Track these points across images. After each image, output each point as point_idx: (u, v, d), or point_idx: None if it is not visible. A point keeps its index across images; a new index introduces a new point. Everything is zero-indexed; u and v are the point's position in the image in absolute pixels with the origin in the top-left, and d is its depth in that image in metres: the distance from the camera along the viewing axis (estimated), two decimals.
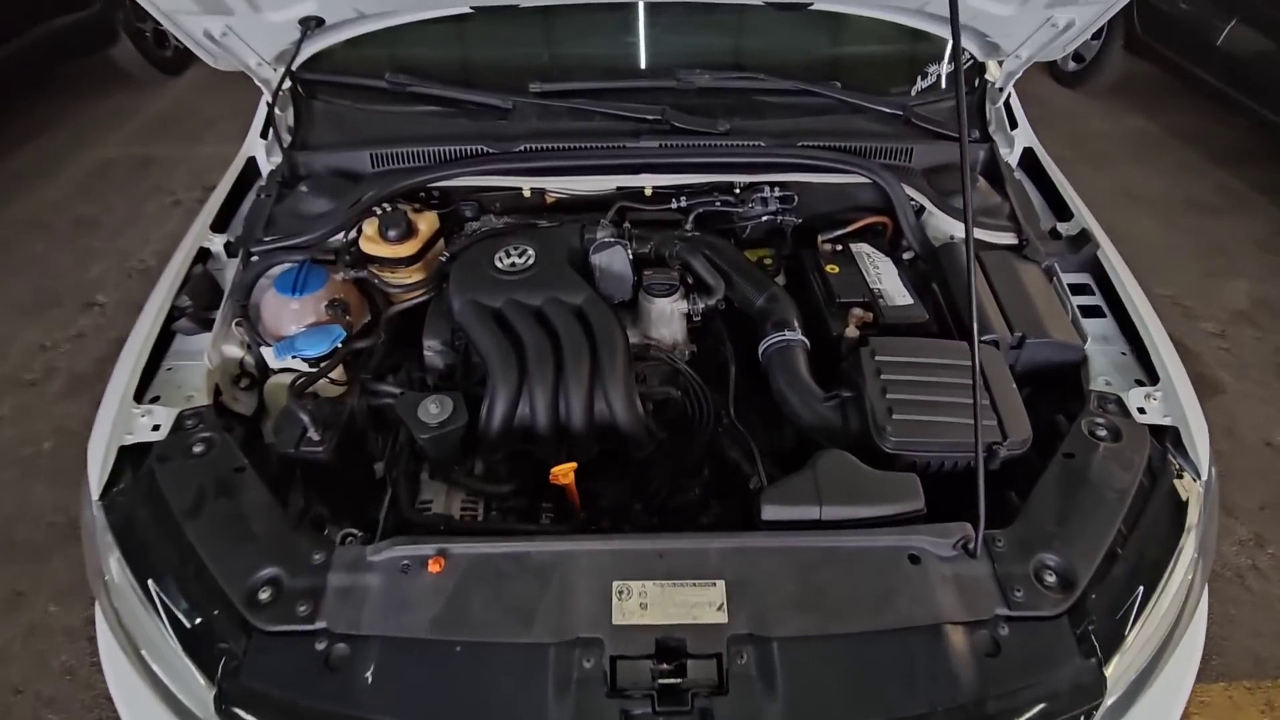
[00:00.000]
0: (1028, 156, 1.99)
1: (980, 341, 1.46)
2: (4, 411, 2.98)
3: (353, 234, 1.72)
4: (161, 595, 1.16)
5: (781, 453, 1.58)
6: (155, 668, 1.14)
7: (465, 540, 1.20)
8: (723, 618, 1.11)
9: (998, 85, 1.96)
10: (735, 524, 1.53)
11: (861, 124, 1.91)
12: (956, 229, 1.75)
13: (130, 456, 1.35)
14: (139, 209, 4.30)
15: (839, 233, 1.82)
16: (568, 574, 1.16)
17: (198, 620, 1.14)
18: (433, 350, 1.62)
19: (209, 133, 5.11)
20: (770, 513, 1.23)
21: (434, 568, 1.16)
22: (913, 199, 1.78)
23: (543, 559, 1.17)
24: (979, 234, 1.74)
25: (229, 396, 1.57)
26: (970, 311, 1.12)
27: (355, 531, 1.51)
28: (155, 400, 1.44)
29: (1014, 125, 1.99)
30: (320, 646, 1.10)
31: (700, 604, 1.12)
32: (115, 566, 1.21)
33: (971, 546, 1.18)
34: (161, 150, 4.94)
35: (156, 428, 1.37)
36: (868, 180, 1.77)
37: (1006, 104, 2.00)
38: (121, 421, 1.37)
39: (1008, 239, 1.72)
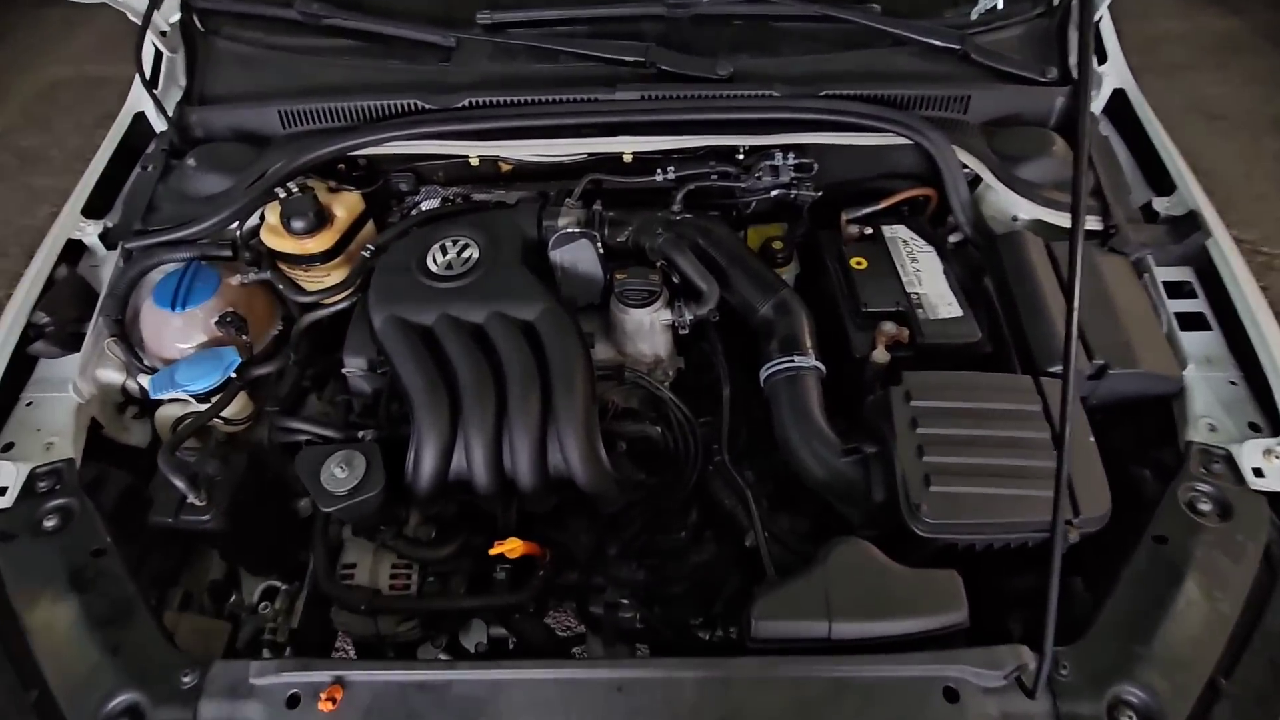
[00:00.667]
0: (1117, 102, 1.54)
1: (1048, 375, 1.14)
2: None
3: (253, 222, 1.37)
4: None
5: (778, 479, 1.30)
6: None
7: (369, 666, 0.94)
8: None
9: None
10: (729, 567, 1.28)
11: (904, 62, 1.47)
12: (1022, 208, 1.36)
13: None
14: (89, 141, 3.89)
15: (868, 210, 1.44)
16: (499, 714, 0.90)
17: None
18: (356, 372, 1.31)
19: None
20: (765, 629, 0.95)
21: (326, 706, 0.90)
22: (966, 166, 1.38)
23: (467, 692, 0.92)
24: (1050, 216, 1.34)
25: (115, 428, 1.29)
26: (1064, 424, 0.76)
27: (278, 584, 1.29)
28: (7, 449, 1.16)
29: (1103, 59, 1.53)
30: None
31: None
32: None
33: (1030, 682, 0.89)
34: (114, 69, 4.40)
35: (1, 491, 1.10)
36: (910, 142, 1.37)
37: (1096, 29, 1.53)
38: None
39: (1090, 223, 1.32)
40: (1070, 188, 1.35)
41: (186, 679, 0.94)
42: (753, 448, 1.35)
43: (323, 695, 0.91)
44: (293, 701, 0.91)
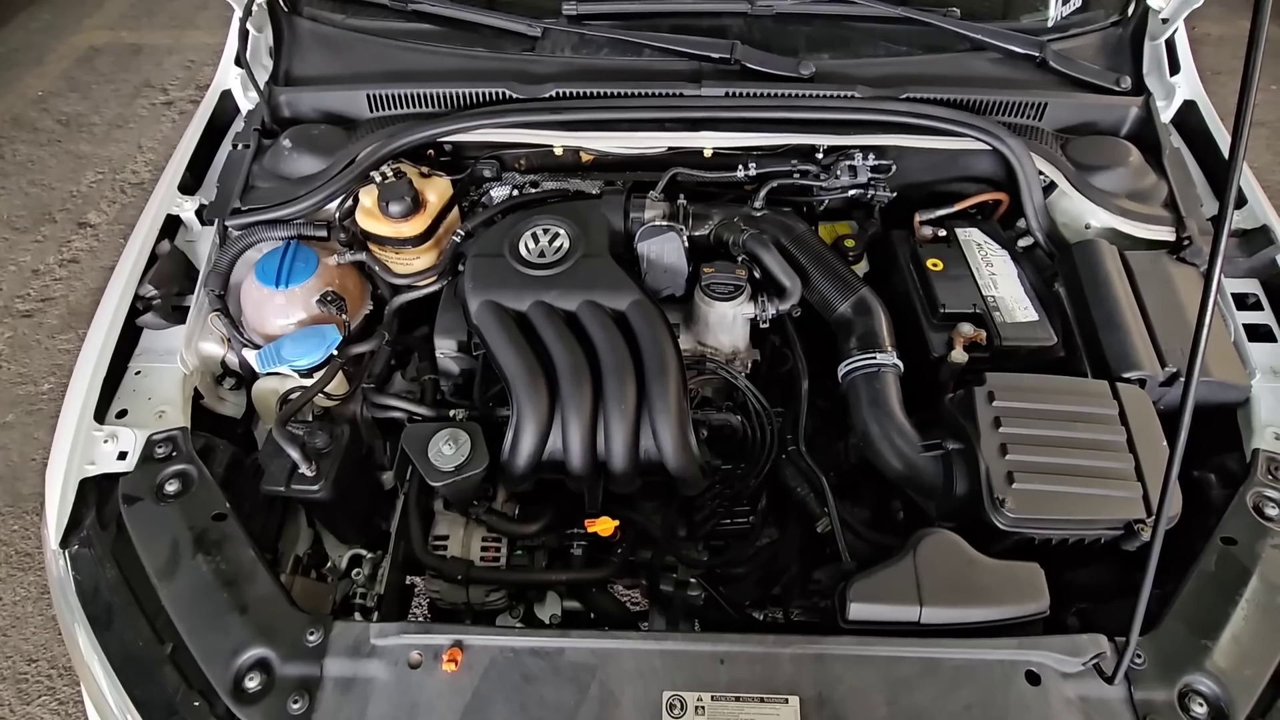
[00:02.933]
0: (1186, 114, 1.57)
1: (1123, 380, 1.19)
2: (0, 346, 2.81)
3: (348, 202, 1.41)
4: (132, 687, 0.98)
5: (839, 469, 1.35)
6: None
7: (486, 631, 1.00)
8: None
9: (1163, 16, 1.52)
10: (791, 552, 1.34)
11: (982, 66, 1.50)
12: (1097, 216, 1.39)
13: (95, 489, 1.14)
14: (129, 108, 3.93)
15: (942, 212, 1.47)
16: (609, 679, 0.96)
17: (175, 714, 0.97)
18: (446, 353, 1.36)
19: (201, 16, 4.62)
20: (858, 611, 1.01)
21: (449, 666, 0.96)
22: (1042, 173, 1.41)
23: (579, 659, 0.98)
24: (1124, 225, 1.38)
25: (213, 398, 1.34)
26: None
27: (363, 552, 1.35)
28: (121, 415, 1.22)
29: (1175, 70, 1.56)
30: None
31: None
32: (83, 638, 1.03)
33: (1109, 668, 0.95)
34: (150, 37, 4.48)
35: (123, 455, 1.16)
36: (988, 148, 1.40)
37: (1169, 41, 1.55)
38: (81, 447, 1.16)
39: (1162, 233, 1.36)
40: (1144, 198, 1.40)
41: (312, 637, 1.00)
42: (815, 439, 1.40)
43: (444, 657, 0.97)
44: (414, 662, 0.98)
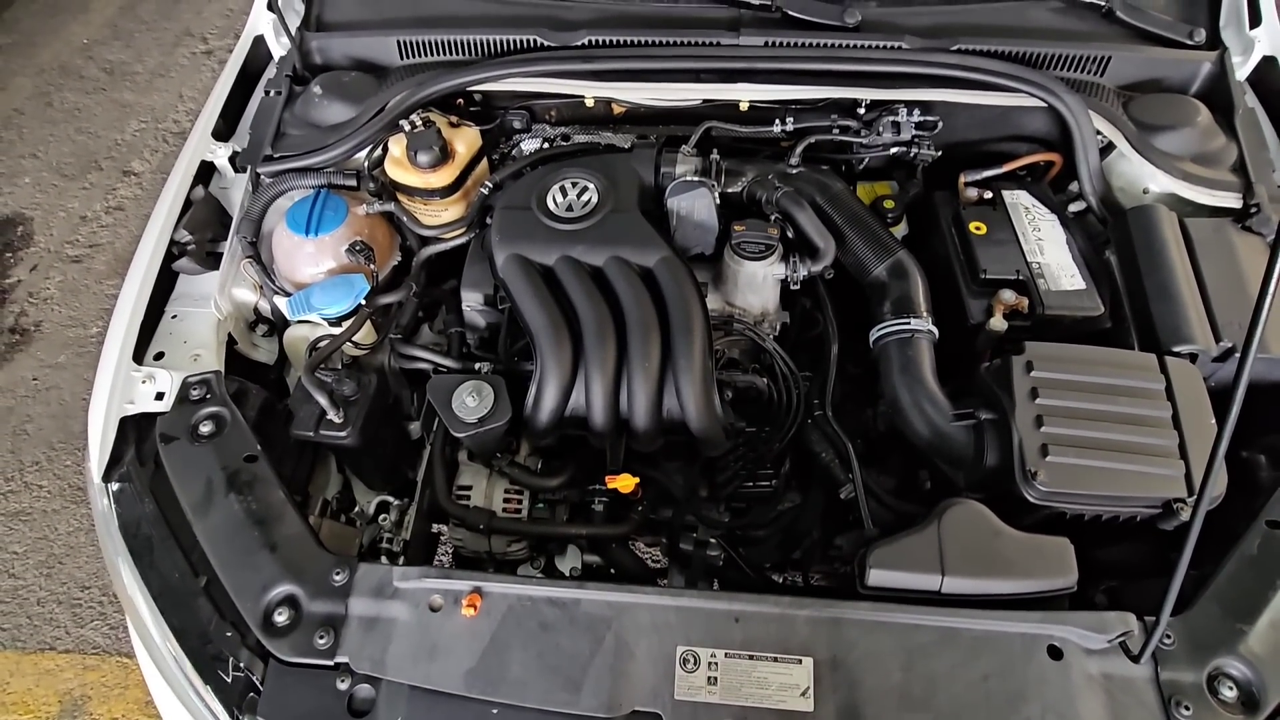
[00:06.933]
0: (1265, 71, 1.45)
1: (1172, 354, 1.13)
2: (52, 290, 2.92)
3: (377, 151, 1.40)
4: (169, 616, 1.03)
5: (867, 436, 1.33)
6: (177, 683, 1.04)
7: (505, 579, 1.02)
8: (808, 705, 0.92)
9: None
10: (813, 517, 1.33)
11: (1042, 16, 1.41)
12: (1158, 180, 1.31)
13: (134, 427, 1.18)
14: (170, 58, 3.96)
15: (989, 173, 1.40)
16: (624, 631, 0.97)
17: (209, 643, 1.01)
18: (473, 306, 1.36)
19: None
20: (878, 578, 0.99)
21: (468, 611, 0.98)
22: (1100, 133, 1.33)
23: (595, 610, 0.99)
24: (1186, 191, 1.30)
25: (246, 344, 1.37)
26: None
27: (390, 499, 1.38)
28: (159, 357, 1.25)
29: (1255, 22, 1.44)
30: (342, 686, 0.97)
31: (782, 685, 0.94)
32: (124, 569, 1.08)
33: (1135, 647, 0.93)
34: None
35: (160, 395, 1.19)
36: (1043, 105, 1.32)
37: None
38: (121, 387, 1.19)
39: (1228, 200, 1.28)
40: (1212, 161, 1.31)
41: (338, 577, 1.03)
42: (843, 405, 1.38)
43: (464, 601, 0.99)
44: (435, 605, 1.00)
